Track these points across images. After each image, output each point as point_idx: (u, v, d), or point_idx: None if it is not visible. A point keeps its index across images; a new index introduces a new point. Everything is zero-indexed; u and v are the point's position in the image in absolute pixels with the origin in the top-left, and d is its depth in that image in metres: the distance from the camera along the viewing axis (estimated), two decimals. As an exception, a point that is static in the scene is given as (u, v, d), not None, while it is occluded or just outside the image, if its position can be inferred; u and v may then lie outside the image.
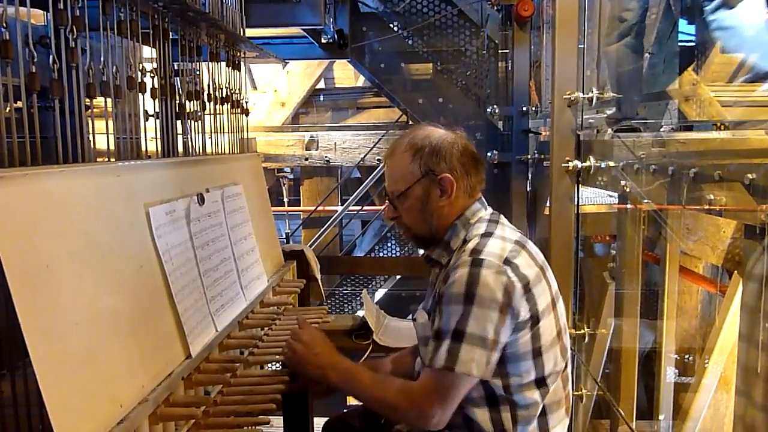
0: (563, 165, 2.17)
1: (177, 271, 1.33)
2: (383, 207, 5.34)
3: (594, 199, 2.93)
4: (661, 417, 2.43)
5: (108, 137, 1.28)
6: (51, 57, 1.07)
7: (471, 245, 1.29)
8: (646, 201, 1.90)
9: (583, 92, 2.16)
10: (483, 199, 1.43)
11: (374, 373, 1.47)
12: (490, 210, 1.42)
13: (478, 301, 1.21)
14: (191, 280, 1.39)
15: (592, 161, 2.14)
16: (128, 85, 1.31)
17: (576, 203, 2.26)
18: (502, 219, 1.40)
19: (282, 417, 2.35)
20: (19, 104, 1.01)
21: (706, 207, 1.41)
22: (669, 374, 2.42)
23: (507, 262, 1.25)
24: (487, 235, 1.31)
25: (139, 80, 1.37)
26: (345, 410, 1.76)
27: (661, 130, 2.30)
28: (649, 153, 1.83)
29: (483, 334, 1.21)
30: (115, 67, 1.26)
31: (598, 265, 3.02)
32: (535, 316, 1.26)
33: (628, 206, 2.36)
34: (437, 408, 1.24)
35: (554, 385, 1.32)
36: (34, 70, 1.02)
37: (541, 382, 1.30)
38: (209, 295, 1.46)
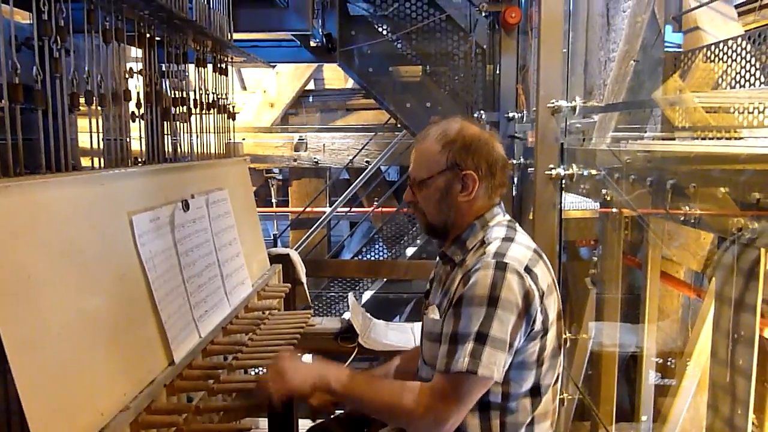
0: (546, 173, 2.20)
1: (160, 279, 1.34)
2: (371, 209, 5.36)
3: (579, 204, 2.96)
4: (643, 419, 2.46)
5: (91, 137, 1.27)
6: (35, 68, 1.08)
7: (493, 248, 1.29)
8: (627, 210, 1.93)
9: (566, 101, 2.18)
10: (503, 204, 1.44)
11: (375, 377, 1.47)
12: (508, 216, 1.43)
13: (501, 304, 1.20)
14: (175, 287, 1.40)
15: (574, 169, 2.16)
16: (113, 98, 1.31)
17: (559, 210, 2.29)
18: (518, 227, 1.41)
19: (267, 419, 2.36)
20: (2, 104, 1.01)
21: (682, 219, 1.44)
22: (650, 377, 2.46)
23: (528, 269, 1.25)
24: (509, 239, 1.32)
25: (124, 88, 1.38)
26: (331, 416, 1.77)
27: (645, 137, 2.33)
28: (631, 162, 1.85)
29: (505, 338, 1.20)
30: (99, 76, 1.26)
31: (581, 270, 3.05)
32: (545, 327, 1.27)
33: (612, 210, 2.39)
34: (454, 413, 1.22)
35: (546, 397, 1.33)
36: (17, 81, 1.03)
37: (535, 392, 1.31)
38: (193, 302, 1.47)
